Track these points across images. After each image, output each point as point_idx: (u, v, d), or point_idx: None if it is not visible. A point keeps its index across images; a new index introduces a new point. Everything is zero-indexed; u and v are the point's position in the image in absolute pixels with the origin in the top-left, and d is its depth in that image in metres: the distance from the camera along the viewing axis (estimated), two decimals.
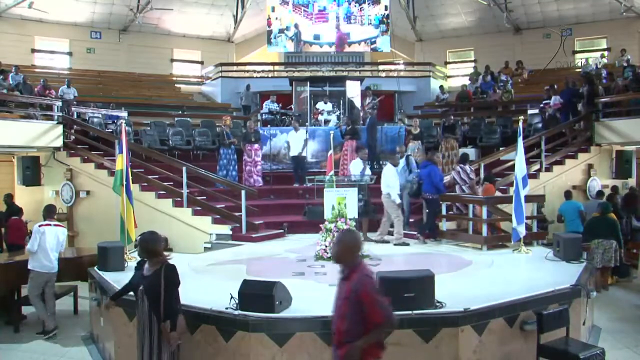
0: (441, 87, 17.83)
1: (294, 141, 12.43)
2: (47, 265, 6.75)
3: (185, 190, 10.26)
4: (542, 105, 13.40)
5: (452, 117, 12.83)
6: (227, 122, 12.54)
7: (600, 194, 10.70)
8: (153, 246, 4.48)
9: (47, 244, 6.72)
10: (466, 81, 18.23)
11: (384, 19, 19.51)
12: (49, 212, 7.05)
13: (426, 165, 9.39)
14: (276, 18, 19.56)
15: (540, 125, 13.11)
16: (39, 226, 6.71)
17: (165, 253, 4.60)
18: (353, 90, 15.22)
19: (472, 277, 6.74)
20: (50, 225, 6.82)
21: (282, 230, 10.25)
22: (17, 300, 7.45)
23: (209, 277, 6.90)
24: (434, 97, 18.95)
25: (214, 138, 13.54)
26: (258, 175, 12.07)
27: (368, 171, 9.18)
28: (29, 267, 6.73)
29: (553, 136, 12.03)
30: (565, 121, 12.43)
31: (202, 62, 21.20)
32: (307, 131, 12.77)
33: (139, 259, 4.87)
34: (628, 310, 7.78)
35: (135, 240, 6.08)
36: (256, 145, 12.09)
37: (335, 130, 11.95)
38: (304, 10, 19.64)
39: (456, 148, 12.27)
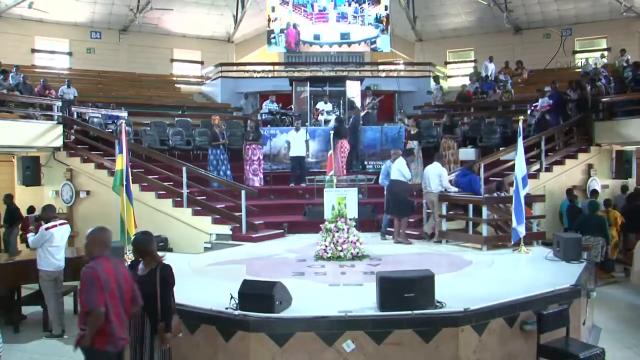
0: (436, 77, 17.71)
1: (294, 141, 12.44)
2: (56, 263, 6.78)
3: (185, 190, 10.26)
4: (531, 108, 13.40)
5: (448, 117, 12.87)
6: (215, 121, 12.45)
7: (594, 193, 10.76)
8: (146, 246, 4.49)
9: (56, 244, 6.74)
10: (466, 81, 18.23)
11: (383, 19, 19.49)
12: (52, 211, 7.04)
13: (465, 174, 9.45)
14: (276, 18, 19.56)
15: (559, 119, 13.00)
16: (46, 229, 6.69)
17: (160, 253, 4.60)
18: (353, 90, 15.22)
19: (472, 277, 6.74)
20: (56, 226, 6.83)
21: (282, 230, 10.25)
22: (17, 300, 7.45)
23: (209, 277, 6.91)
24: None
25: None
26: (255, 174, 12.05)
27: (407, 173, 9.24)
28: (39, 267, 6.73)
29: (549, 137, 12.01)
30: (555, 124, 12.33)
31: (202, 62, 21.20)
32: (307, 131, 12.80)
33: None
34: (628, 310, 7.79)
35: None
36: (254, 145, 12.10)
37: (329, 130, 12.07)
38: (304, 10, 19.64)
39: (454, 148, 12.29)
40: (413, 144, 12.08)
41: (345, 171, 12.19)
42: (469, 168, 9.65)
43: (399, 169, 9.17)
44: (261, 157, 12.24)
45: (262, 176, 12.17)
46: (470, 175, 9.40)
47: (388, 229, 9.61)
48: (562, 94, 12.69)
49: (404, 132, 13.12)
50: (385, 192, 9.57)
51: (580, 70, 16.85)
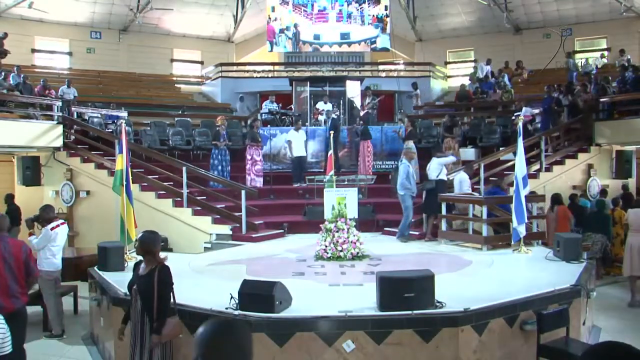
0: (414, 84, 17.65)
1: (296, 141, 12.47)
2: (56, 263, 6.79)
3: (185, 190, 10.26)
4: (513, 117, 13.33)
5: (449, 118, 12.91)
6: (219, 121, 12.45)
7: (603, 192, 10.98)
8: (150, 246, 4.49)
9: (58, 244, 6.75)
10: (466, 81, 18.23)
11: (384, 18, 19.49)
12: (52, 211, 7.03)
13: (494, 192, 9.56)
14: (275, 18, 19.56)
15: (539, 125, 13.07)
16: (51, 229, 6.68)
17: (162, 254, 4.59)
18: (353, 90, 15.23)
19: (472, 277, 6.74)
20: (59, 226, 6.83)
21: (282, 230, 10.25)
22: None
23: (209, 277, 6.90)
24: (434, 97, 18.97)
25: None
26: (257, 175, 12.08)
27: (443, 175, 9.69)
28: (39, 267, 6.71)
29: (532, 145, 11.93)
30: (545, 129, 12.26)
31: (202, 62, 21.20)
32: (306, 131, 12.82)
33: (139, 258, 4.88)
34: (628, 310, 7.79)
35: (135, 240, 6.11)
36: (256, 146, 12.14)
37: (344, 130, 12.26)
38: (304, 10, 19.64)
39: (455, 148, 12.38)
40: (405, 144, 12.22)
41: (371, 171, 12.32)
42: (497, 185, 9.76)
43: (437, 170, 9.71)
44: (257, 158, 12.21)
45: (254, 176, 12.12)
46: (497, 192, 9.49)
47: (410, 232, 9.66)
48: (553, 99, 12.70)
49: (404, 131, 13.12)
50: (401, 192, 9.51)
51: (580, 70, 16.88)
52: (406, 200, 9.47)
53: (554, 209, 9.64)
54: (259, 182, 11.93)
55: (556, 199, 9.79)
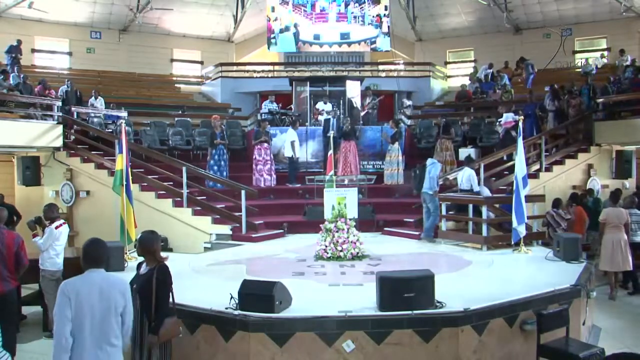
0: (408, 94, 17.65)
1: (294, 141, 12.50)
2: (59, 263, 6.81)
3: (185, 190, 10.26)
4: (497, 123, 13.28)
5: (444, 119, 12.93)
6: (214, 120, 12.46)
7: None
8: (149, 246, 4.49)
9: (61, 244, 6.77)
10: (466, 81, 18.23)
11: (385, 17, 19.47)
12: (56, 210, 7.03)
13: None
14: (275, 19, 19.55)
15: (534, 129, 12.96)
16: (55, 228, 6.69)
17: (163, 254, 4.58)
18: (353, 90, 15.21)
19: (472, 277, 6.75)
20: (61, 225, 6.83)
21: (282, 230, 10.25)
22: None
23: (209, 277, 6.91)
24: (434, 97, 18.97)
25: None
26: (268, 174, 12.08)
27: (476, 185, 9.48)
28: (42, 267, 6.72)
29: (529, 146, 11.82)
30: (530, 136, 12.13)
31: (202, 62, 21.20)
32: (306, 131, 12.81)
33: (139, 258, 4.89)
34: (628, 310, 7.79)
35: (135, 240, 6.12)
36: (266, 145, 12.14)
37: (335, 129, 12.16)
38: (304, 10, 19.63)
39: (451, 149, 12.45)
40: (393, 146, 12.24)
41: (358, 170, 12.33)
42: None
43: (469, 181, 9.51)
44: (259, 158, 12.19)
45: (267, 176, 12.10)
46: None
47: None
48: (537, 105, 12.69)
49: (404, 131, 13.15)
50: (430, 192, 9.27)
51: (580, 70, 16.88)
52: (436, 201, 9.29)
53: (571, 206, 9.63)
54: (264, 182, 11.90)
55: (575, 197, 9.76)
